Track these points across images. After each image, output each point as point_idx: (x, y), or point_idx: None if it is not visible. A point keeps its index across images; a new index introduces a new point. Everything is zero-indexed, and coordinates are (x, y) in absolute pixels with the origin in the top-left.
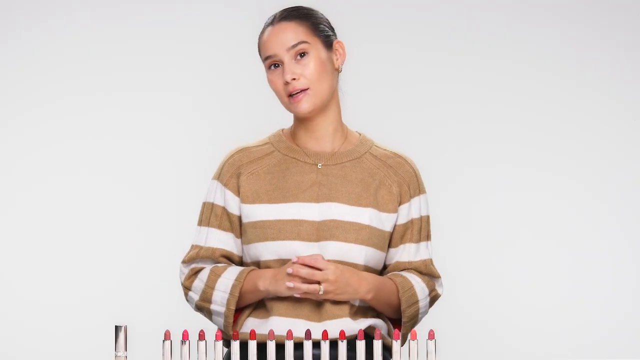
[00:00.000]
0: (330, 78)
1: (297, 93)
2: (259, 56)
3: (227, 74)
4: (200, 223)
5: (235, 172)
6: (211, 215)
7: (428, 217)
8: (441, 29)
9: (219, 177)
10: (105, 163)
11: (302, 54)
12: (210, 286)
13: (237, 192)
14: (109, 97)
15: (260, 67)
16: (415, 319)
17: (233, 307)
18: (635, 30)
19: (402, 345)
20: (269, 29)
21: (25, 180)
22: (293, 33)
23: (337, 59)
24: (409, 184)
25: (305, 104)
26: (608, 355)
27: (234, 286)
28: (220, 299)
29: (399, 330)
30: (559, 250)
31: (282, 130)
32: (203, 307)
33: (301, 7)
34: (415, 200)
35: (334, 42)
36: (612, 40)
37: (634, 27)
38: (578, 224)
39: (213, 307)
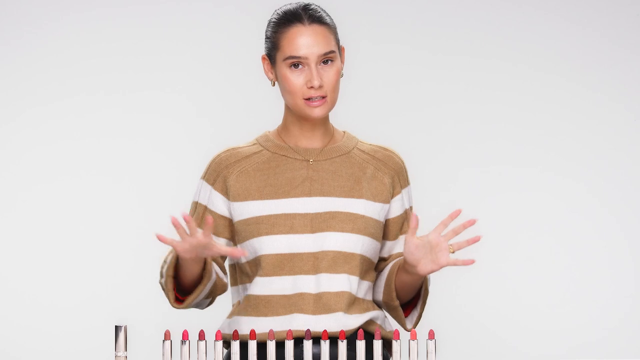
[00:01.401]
0: (339, 86)
1: (316, 99)
2: (267, 50)
3: (228, 74)
4: None
5: (221, 171)
6: (194, 214)
7: (411, 207)
8: (441, 28)
9: (205, 176)
10: (105, 163)
11: (327, 61)
12: (163, 261)
13: (225, 192)
14: (109, 97)
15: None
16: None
17: (170, 273)
18: (635, 30)
19: (415, 326)
20: (300, 28)
21: (26, 180)
22: (326, 40)
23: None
24: (399, 175)
25: (320, 111)
26: (608, 355)
27: (169, 253)
28: (164, 270)
29: (410, 312)
30: (558, 250)
31: (268, 132)
32: (161, 286)
33: (320, 9)
34: (406, 191)
35: (341, 49)
36: (612, 40)
37: (633, 27)
38: (578, 224)
39: (161, 280)
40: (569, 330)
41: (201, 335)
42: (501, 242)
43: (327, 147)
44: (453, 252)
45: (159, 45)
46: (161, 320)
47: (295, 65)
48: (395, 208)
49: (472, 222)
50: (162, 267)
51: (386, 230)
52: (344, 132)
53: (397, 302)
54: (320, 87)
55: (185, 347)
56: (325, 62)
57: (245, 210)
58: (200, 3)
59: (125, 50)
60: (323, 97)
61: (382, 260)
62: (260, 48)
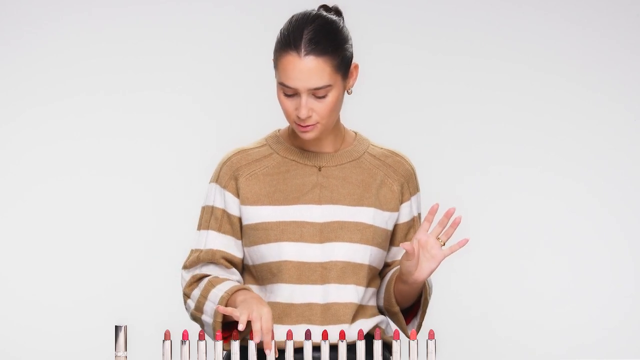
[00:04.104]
0: (340, 107)
1: (306, 125)
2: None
3: (229, 74)
4: (199, 227)
5: (233, 174)
6: (211, 218)
7: (419, 215)
8: (441, 28)
9: (217, 179)
10: (105, 163)
11: (322, 95)
12: (204, 296)
13: (237, 194)
14: (109, 97)
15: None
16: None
17: (219, 320)
18: (635, 30)
19: (418, 331)
20: (294, 58)
21: (26, 180)
22: (319, 75)
23: (350, 82)
24: (409, 182)
25: (310, 135)
26: (608, 355)
27: (222, 298)
28: (210, 310)
29: (411, 319)
30: (558, 250)
31: (279, 130)
32: (197, 317)
33: (329, 29)
34: (415, 198)
35: (352, 67)
36: (612, 40)
37: (633, 27)
38: (578, 224)
39: (204, 317)
40: (569, 330)
41: (201, 336)
42: (501, 243)
43: (338, 151)
44: (444, 245)
45: (159, 45)
46: (161, 320)
47: (287, 92)
48: (404, 214)
49: (452, 211)
50: (202, 303)
51: (392, 235)
52: (356, 133)
53: (397, 308)
54: (309, 117)
55: (185, 347)
56: (321, 95)
57: (254, 214)
58: (200, 3)
59: (125, 50)
60: (314, 124)
61: (386, 266)
62: (259, 48)
